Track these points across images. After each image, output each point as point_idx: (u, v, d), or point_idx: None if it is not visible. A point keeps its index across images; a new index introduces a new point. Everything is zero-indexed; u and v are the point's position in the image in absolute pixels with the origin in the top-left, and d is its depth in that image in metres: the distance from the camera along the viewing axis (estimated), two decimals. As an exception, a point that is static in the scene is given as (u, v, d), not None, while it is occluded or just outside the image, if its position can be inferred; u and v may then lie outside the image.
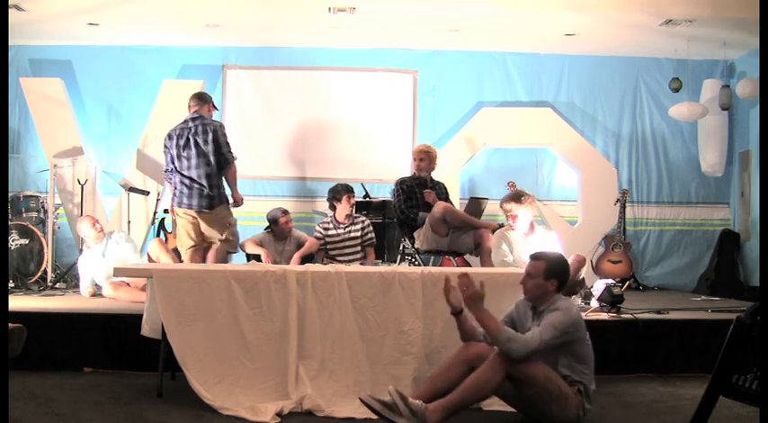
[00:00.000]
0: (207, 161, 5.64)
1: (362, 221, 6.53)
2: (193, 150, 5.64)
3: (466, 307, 3.59)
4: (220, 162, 5.68)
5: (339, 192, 6.43)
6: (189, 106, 5.85)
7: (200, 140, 5.64)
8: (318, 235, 6.47)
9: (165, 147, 5.81)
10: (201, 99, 5.86)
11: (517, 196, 5.40)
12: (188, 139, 5.66)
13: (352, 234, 6.44)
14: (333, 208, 6.53)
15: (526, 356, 3.41)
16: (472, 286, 3.53)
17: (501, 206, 5.47)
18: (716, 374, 2.86)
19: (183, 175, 5.68)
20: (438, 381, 3.60)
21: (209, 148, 5.62)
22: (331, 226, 6.47)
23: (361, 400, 3.49)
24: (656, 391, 4.45)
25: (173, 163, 5.75)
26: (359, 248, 6.45)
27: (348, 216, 6.47)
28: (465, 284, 3.54)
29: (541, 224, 7.96)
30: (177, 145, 5.69)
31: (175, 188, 5.77)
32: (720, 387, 2.86)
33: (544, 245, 5.16)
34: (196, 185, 5.65)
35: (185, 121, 5.80)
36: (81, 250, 6.70)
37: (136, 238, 7.29)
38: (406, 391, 3.55)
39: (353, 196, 6.49)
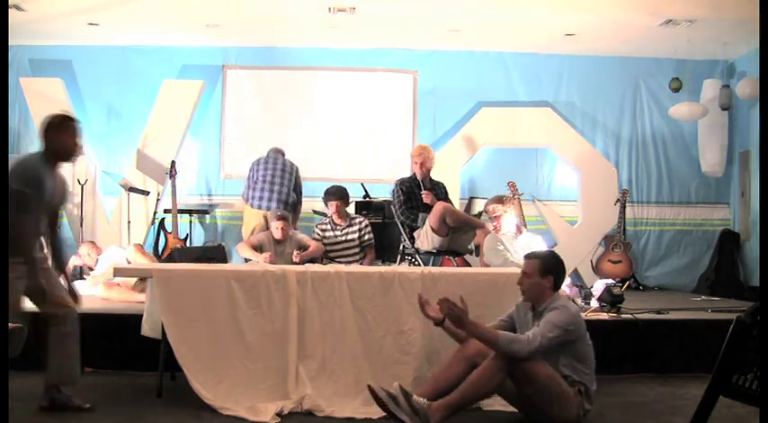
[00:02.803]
0: (287, 190, 6.78)
1: (360, 222, 6.49)
2: (279, 178, 6.74)
3: (456, 328, 3.57)
4: (295, 198, 6.90)
5: (329, 195, 6.39)
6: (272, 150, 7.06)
7: (286, 173, 6.79)
8: (317, 237, 6.45)
9: (251, 171, 6.86)
10: (281, 151, 7.03)
11: (498, 198, 5.57)
12: (275, 168, 6.77)
13: (350, 236, 6.41)
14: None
15: (529, 356, 3.42)
16: (455, 307, 3.47)
17: (485, 209, 5.59)
18: (716, 374, 2.86)
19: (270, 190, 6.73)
20: (440, 379, 3.61)
21: (291, 184, 6.80)
22: (328, 227, 6.45)
23: (370, 388, 3.50)
24: (656, 391, 4.45)
25: (256, 182, 6.78)
26: (357, 250, 6.42)
27: (345, 217, 6.45)
28: (447, 308, 3.48)
29: (542, 223, 8.00)
30: (265, 168, 6.77)
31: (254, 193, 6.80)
32: (720, 387, 2.85)
33: (531, 247, 5.19)
34: (275, 197, 6.69)
35: (268, 154, 6.96)
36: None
37: (136, 237, 7.30)
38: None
39: (341, 203, 6.35)
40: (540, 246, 5.38)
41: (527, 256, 3.81)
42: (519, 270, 4.37)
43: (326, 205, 6.45)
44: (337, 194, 6.37)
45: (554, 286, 3.67)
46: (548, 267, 3.66)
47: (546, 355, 3.53)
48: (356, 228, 6.43)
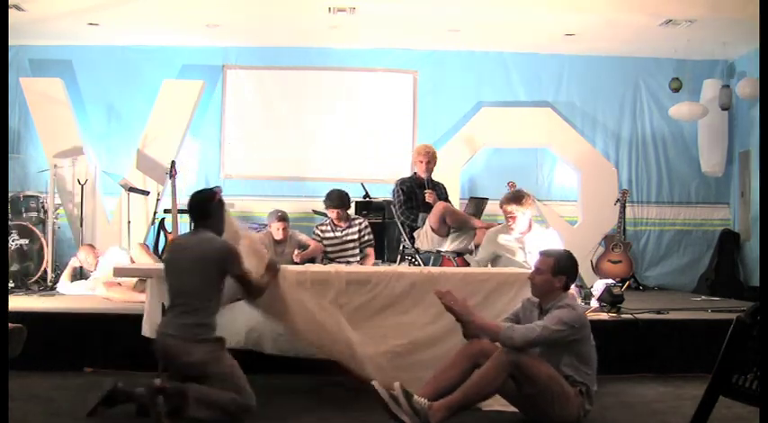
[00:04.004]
0: None
1: (360, 223, 6.47)
2: None
3: (459, 321, 3.65)
4: None
5: (330, 201, 6.37)
6: None
7: None
8: (316, 237, 6.44)
9: None
10: None
11: (517, 197, 5.22)
12: None
13: (350, 237, 6.40)
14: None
15: (526, 345, 3.43)
16: (456, 301, 3.60)
17: (501, 207, 5.30)
18: (716, 374, 2.86)
19: None
20: (442, 379, 3.61)
21: None
22: (328, 228, 6.44)
23: (373, 387, 3.50)
24: (656, 391, 4.45)
25: None
26: (357, 250, 6.41)
27: (345, 219, 6.44)
28: (450, 301, 3.61)
29: (542, 223, 7.98)
30: None
31: None
32: (720, 387, 2.86)
33: (543, 243, 5.13)
34: None
35: None
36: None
37: (136, 237, 7.29)
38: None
39: (341, 211, 6.34)
40: (554, 241, 5.21)
41: (543, 253, 3.81)
42: (519, 270, 4.38)
43: (327, 210, 6.44)
44: (336, 202, 6.33)
45: (564, 286, 3.69)
46: (561, 267, 3.68)
47: (549, 355, 3.53)
48: (356, 228, 6.42)
